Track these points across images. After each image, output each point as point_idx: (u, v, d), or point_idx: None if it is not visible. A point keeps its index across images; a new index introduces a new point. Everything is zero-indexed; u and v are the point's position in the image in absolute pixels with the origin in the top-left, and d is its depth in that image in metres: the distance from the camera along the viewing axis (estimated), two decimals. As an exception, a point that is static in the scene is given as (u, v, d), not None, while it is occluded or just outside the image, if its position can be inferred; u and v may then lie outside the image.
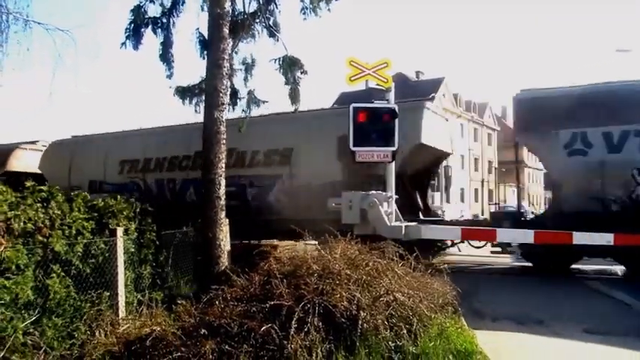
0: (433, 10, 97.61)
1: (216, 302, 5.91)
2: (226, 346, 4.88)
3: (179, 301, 6.70)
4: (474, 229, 9.23)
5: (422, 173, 13.81)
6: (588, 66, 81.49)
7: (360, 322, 5.39)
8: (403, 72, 50.34)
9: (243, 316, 5.31)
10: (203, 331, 5.06)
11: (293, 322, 5.14)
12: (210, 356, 4.77)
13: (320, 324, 5.32)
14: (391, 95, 9.64)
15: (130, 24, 10.27)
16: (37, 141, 19.21)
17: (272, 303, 5.37)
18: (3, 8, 9.38)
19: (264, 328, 5.02)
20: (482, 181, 57.96)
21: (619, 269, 12.46)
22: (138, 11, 10.14)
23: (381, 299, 5.87)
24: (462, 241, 10.66)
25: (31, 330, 5.69)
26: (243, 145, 13.64)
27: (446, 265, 7.65)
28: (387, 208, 9.38)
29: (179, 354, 4.78)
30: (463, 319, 7.10)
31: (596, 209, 10.48)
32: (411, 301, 6.16)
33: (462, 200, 48.03)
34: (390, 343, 5.58)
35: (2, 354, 5.23)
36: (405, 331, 5.73)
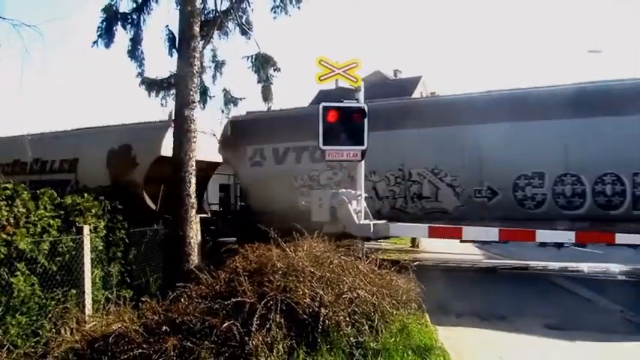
0: (413, 8, 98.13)
1: (182, 299, 5.98)
2: (188, 343, 4.95)
3: (145, 299, 6.73)
4: (440, 227, 9.39)
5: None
6: (565, 64, 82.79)
7: (321, 318, 5.49)
8: (381, 70, 50.55)
9: (206, 313, 5.38)
10: (165, 328, 5.12)
11: (255, 319, 5.23)
12: (172, 353, 4.84)
13: (282, 320, 5.43)
14: (361, 95, 9.74)
15: (102, 22, 10.25)
16: None
17: (234, 300, 5.46)
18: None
19: (225, 324, 5.10)
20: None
21: (585, 266, 12.79)
22: (109, 9, 10.11)
23: (343, 296, 5.98)
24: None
25: (-6, 328, 5.71)
26: (47, 155, 15.39)
27: (412, 263, 7.78)
28: (356, 207, 9.50)
29: (140, 350, 4.84)
30: (427, 316, 7.25)
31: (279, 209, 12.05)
32: (374, 298, 6.30)
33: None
34: (351, 339, 5.71)
35: (-37, 352, 5.24)
36: (366, 327, 5.87)
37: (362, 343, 5.71)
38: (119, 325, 5.42)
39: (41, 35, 11.07)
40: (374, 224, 9.36)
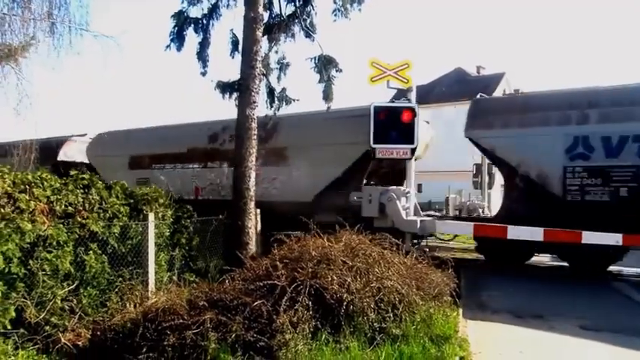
0: (498, 3, 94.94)
1: (226, 281, 6.68)
2: (223, 317, 5.62)
3: (199, 281, 7.50)
4: (485, 225, 9.51)
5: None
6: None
7: (344, 303, 5.97)
8: (463, 67, 49.64)
9: (242, 293, 6.04)
10: (203, 303, 5.83)
11: (284, 301, 5.81)
12: (208, 324, 5.52)
13: (310, 303, 5.97)
14: (412, 94, 10.06)
15: (174, 27, 11.21)
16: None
17: (267, 282, 6.07)
18: (68, 21, 10.65)
19: (256, 303, 5.72)
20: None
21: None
22: (180, 16, 11.06)
23: (371, 285, 6.43)
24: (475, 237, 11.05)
25: (69, 297, 6.67)
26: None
27: (451, 258, 8.05)
28: (405, 203, 9.85)
29: (182, 321, 5.57)
30: (461, 309, 7.52)
31: None
32: (405, 289, 6.70)
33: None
34: (375, 324, 6.17)
35: (43, 315, 6.21)
36: (390, 315, 6.30)
37: (385, 329, 6.15)
38: (165, 299, 6.17)
39: (118, 45, 12.26)
40: (421, 220, 9.67)
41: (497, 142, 11.61)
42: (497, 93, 43.69)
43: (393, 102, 10.05)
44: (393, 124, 9.74)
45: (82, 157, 19.39)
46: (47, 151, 17.32)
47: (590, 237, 8.55)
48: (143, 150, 17.24)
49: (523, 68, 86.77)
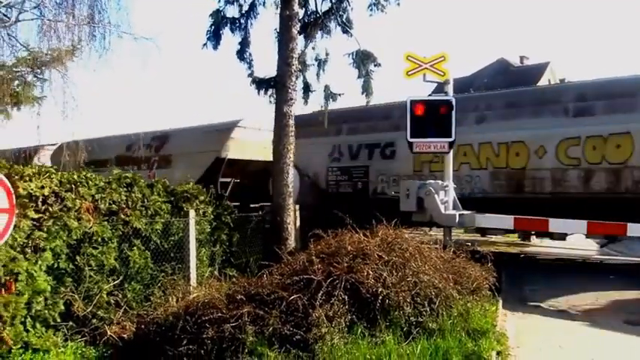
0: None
1: (264, 276, 6.81)
2: (260, 311, 5.73)
3: (237, 275, 7.65)
4: (526, 219, 9.32)
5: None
6: None
7: (380, 297, 6.00)
8: (506, 57, 48.53)
9: (279, 287, 6.13)
10: (241, 297, 5.95)
11: (320, 295, 5.88)
12: (246, 318, 5.64)
13: (346, 298, 6.02)
14: (449, 87, 9.95)
15: (211, 26, 11.41)
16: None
17: (303, 277, 6.16)
18: (108, 24, 11.01)
19: (292, 297, 5.81)
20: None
21: None
22: (217, 15, 11.24)
23: (407, 279, 6.42)
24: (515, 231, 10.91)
25: (115, 292, 6.94)
26: None
27: (490, 253, 7.96)
28: (444, 197, 9.76)
29: (220, 314, 5.71)
30: (500, 303, 7.43)
31: None
32: (442, 284, 6.67)
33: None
34: (411, 318, 6.17)
35: (90, 308, 6.49)
36: (427, 309, 6.28)
37: (421, 323, 6.15)
38: (205, 293, 6.34)
39: (158, 47, 12.62)
40: (459, 214, 9.56)
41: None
42: (543, 82, 42.58)
43: (430, 96, 9.92)
44: (431, 118, 9.65)
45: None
46: (23, 159, 18.78)
47: (633, 230, 8.25)
48: (91, 156, 18.67)
49: (569, 57, 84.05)
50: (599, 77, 13.97)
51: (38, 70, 14.54)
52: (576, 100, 11.49)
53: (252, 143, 15.71)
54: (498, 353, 5.76)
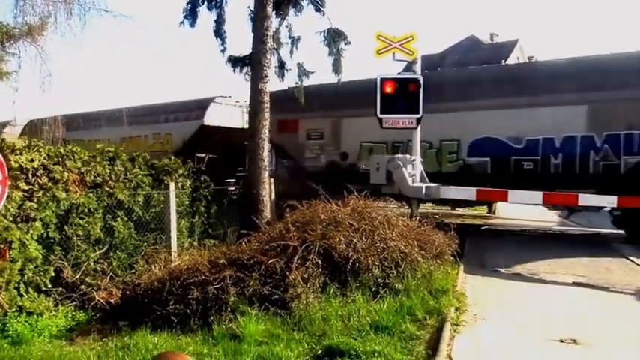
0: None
1: (243, 243, 7.28)
2: (241, 274, 6.22)
3: (217, 244, 8.10)
4: (487, 191, 9.96)
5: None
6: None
7: (351, 261, 6.55)
8: (476, 35, 49.22)
9: (258, 252, 6.63)
10: (223, 261, 6.43)
11: (295, 259, 6.39)
12: (228, 280, 6.13)
13: (320, 261, 6.55)
14: (417, 66, 10.44)
15: (187, 4, 11.67)
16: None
17: (280, 242, 6.66)
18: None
19: (270, 261, 6.32)
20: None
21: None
22: (193, -7, 11.50)
23: (376, 244, 6.99)
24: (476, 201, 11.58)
25: (101, 260, 7.33)
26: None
27: (454, 223, 8.57)
28: (411, 170, 10.32)
29: (204, 277, 6.18)
30: (461, 267, 8.07)
31: None
32: (408, 249, 7.25)
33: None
34: (379, 280, 6.75)
35: (78, 275, 6.87)
36: (394, 272, 6.87)
37: (388, 284, 6.74)
38: (189, 259, 6.80)
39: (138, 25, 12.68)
40: (426, 187, 10.15)
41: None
42: (511, 60, 43.46)
43: (400, 74, 10.40)
44: (399, 95, 10.14)
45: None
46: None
47: (585, 200, 8.97)
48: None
49: (537, 35, 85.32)
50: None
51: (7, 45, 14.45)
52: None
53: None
54: (457, 309, 6.38)
